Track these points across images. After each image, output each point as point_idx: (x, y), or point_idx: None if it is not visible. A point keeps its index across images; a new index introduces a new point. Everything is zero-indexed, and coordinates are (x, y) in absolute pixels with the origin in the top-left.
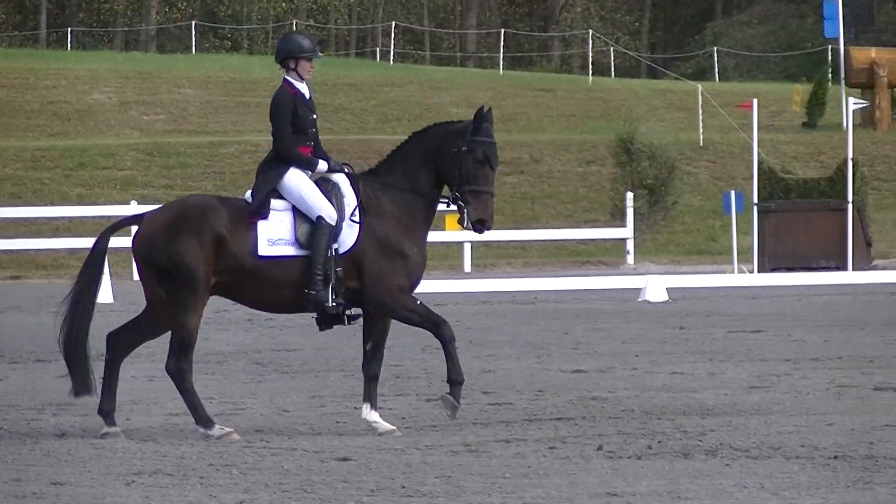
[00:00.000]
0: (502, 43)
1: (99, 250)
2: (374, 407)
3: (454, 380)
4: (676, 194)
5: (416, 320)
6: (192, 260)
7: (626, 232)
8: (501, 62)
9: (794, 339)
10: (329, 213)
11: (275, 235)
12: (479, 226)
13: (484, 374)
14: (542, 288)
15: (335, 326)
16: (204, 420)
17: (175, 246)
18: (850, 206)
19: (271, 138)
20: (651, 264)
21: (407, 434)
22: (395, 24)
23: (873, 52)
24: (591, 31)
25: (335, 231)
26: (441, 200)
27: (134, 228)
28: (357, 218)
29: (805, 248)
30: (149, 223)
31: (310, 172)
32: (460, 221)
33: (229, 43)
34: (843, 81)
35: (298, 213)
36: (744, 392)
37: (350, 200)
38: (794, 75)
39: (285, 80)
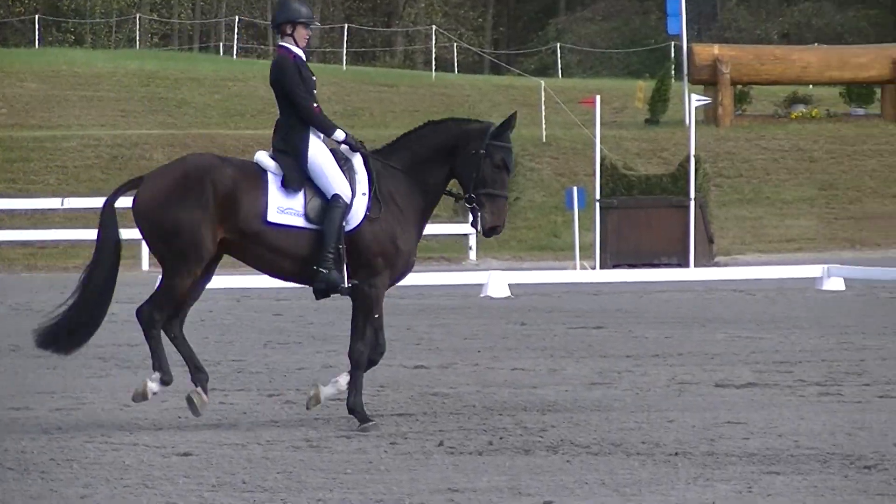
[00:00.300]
0: (346, 38)
1: (108, 219)
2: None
3: (355, 409)
4: (519, 190)
5: (362, 319)
6: (193, 226)
7: (468, 227)
8: (345, 57)
9: (636, 335)
10: (345, 192)
11: (285, 204)
12: (491, 231)
13: (326, 370)
14: None
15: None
16: (163, 370)
17: (176, 211)
18: (692, 203)
19: (278, 106)
20: (493, 260)
21: (248, 429)
22: (239, 19)
23: (716, 49)
24: (434, 27)
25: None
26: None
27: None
28: (367, 197)
29: (647, 244)
30: (149, 186)
31: (323, 137)
32: (473, 224)
33: (73, 37)
34: (685, 78)
35: (311, 186)
36: (585, 388)
37: (362, 179)
38: (637, 72)
39: (283, 46)
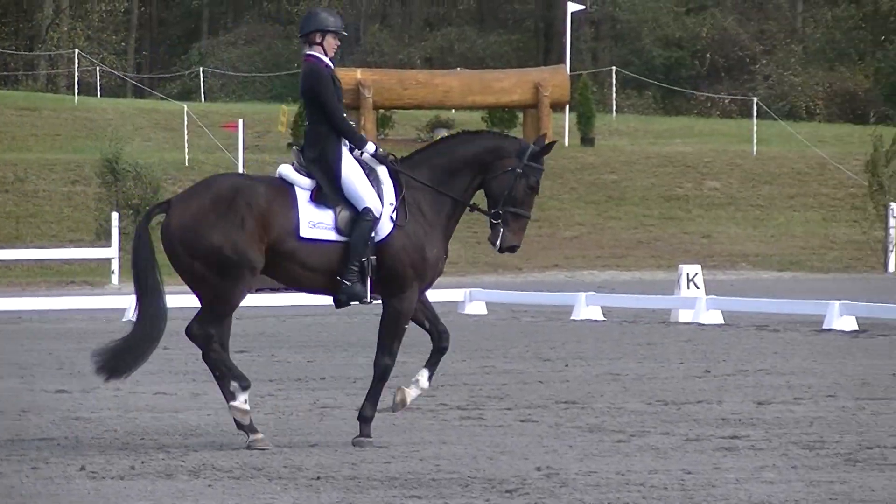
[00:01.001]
0: None
1: (143, 242)
2: (430, 378)
3: (366, 418)
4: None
5: (389, 333)
6: (237, 246)
7: (111, 252)
8: None
9: (278, 359)
10: (376, 206)
11: (316, 218)
12: (509, 250)
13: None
14: (27, 308)
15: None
16: (238, 384)
17: (216, 234)
18: None
19: (308, 115)
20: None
21: None
22: None
23: (359, 73)
24: (77, 51)
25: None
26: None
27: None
28: (394, 213)
29: None
30: (181, 211)
31: (355, 150)
32: (491, 239)
33: None
34: None
35: (341, 198)
36: (226, 412)
37: (388, 190)
38: (280, 96)
39: (311, 55)
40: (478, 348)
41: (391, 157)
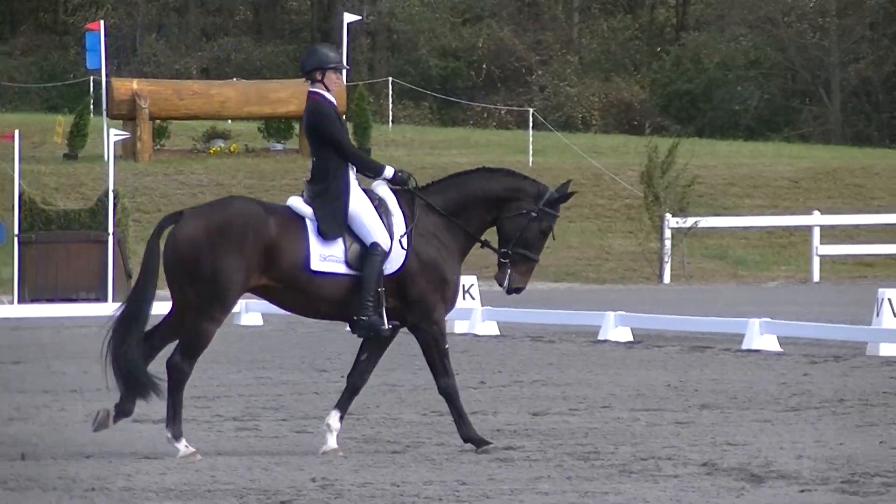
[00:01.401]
0: None
1: (152, 254)
2: (341, 418)
3: (471, 438)
4: None
5: (435, 355)
6: (228, 274)
7: None
8: None
9: (54, 370)
10: (384, 241)
11: (326, 251)
12: (515, 292)
13: None
14: None
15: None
16: (175, 429)
17: (214, 257)
18: (110, 238)
19: (313, 151)
20: None
21: None
22: None
23: (135, 84)
24: None
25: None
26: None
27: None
28: (406, 241)
29: (66, 279)
30: (189, 226)
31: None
32: (497, 278)
33: None
34: (105, 113)
35: (349, 232)
36: (2, 424)
37: (398, 220)
38: (56, 106)
39: (315, 91)
40: (253, 359)
41: (412, 180)
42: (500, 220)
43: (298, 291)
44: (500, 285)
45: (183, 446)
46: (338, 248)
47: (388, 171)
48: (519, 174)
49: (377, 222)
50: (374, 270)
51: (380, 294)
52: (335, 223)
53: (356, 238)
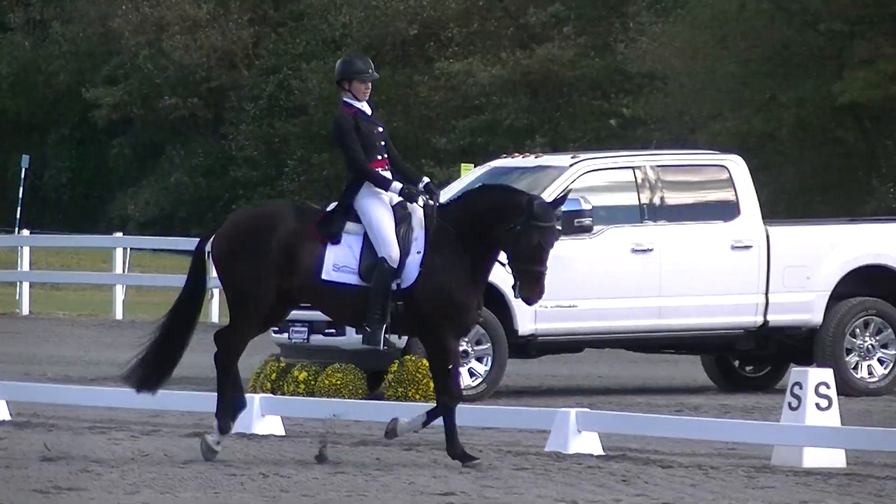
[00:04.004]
0: None
1: (196, 271)
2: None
3: (457, 454)
4: None
5: (440, 375)
6: (253, 279)
7: None
8: None
9: None
10: (393, 255)
11: (341, 261)
12: (528, 302)
13: None
14: None
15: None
16: (221, 422)
17: (239, 263)
18: None
19: (345, 162)
20: None
21: None
22: None
23: None
24: None
25: (400, 265)
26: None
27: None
28: (421, 255)
29: None
30: (224, 233)
31: (384, 193)
32: (513, 289)
33: None
34: None
35: (367, 243)
36: None
37: (419, 236)
38: None
39: (344, 101)
40: None
41: (423, 197)
42: (500, 237)
43: (312, 298)
44: (515, 297)
45: (213, 439)
46: (353, 259)
47: (396, 187)
48: (507, 189)
49: (391, 236)
50: (379, 283)
51: (386, 309)
52: (336, 230)
53: (371, 249)
